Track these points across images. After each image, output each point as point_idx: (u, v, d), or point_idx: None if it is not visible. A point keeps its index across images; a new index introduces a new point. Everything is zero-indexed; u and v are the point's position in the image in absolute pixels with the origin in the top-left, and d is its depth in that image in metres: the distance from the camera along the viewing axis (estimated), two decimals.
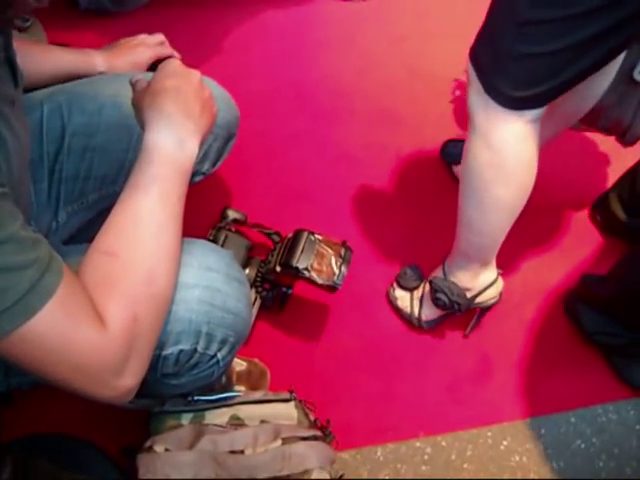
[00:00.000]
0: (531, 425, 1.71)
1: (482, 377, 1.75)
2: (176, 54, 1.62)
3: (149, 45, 1.60)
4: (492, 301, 1.68)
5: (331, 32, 2.35)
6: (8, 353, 0.85)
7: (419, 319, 1.78)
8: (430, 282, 1.68)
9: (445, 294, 1.64)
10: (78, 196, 1.40)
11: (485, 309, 1.72)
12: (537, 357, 1.79)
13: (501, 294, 1.68)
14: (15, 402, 1.53)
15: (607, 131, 1.80)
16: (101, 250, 0.96)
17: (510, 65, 1.24)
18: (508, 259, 1.83)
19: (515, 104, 1.28)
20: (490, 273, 1.64)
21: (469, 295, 1.65)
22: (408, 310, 1.79)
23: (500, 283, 1.66)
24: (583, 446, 1.69)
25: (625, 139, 1.78)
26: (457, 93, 2.15)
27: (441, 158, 2.03)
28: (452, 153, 1.99)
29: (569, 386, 1.76)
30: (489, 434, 1.68)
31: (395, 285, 1.84)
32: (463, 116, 1.86)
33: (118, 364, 0.90)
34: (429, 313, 1.76)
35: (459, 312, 1.67)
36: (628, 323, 1.65)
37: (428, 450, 1.65)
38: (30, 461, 1.40)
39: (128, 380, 0.93)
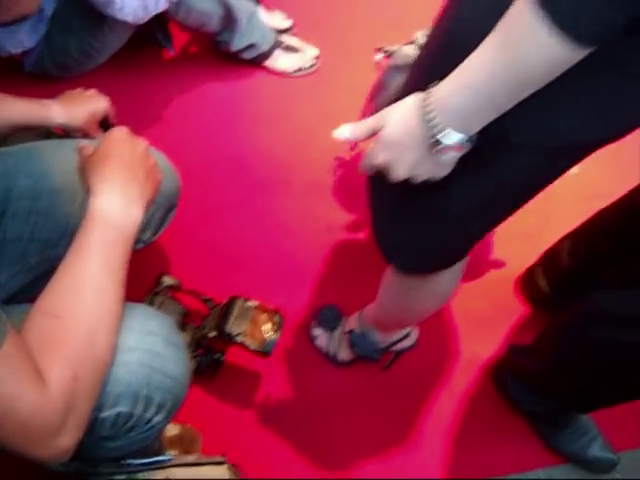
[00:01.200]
0: None
1: (412, 446, 1.78)
2: None
3: (103, 97, 1.62)
4: (406, 348, 1.76)
5: (267, 106, 2.41)
6: None
7: (336, 359, 1.84)
8: (348, 334, 1.76)
9: (361, 348, 1.73)
10: (20, 258, 1.40)
11: (400, 352, 1.80)
12: (467, 425, 1.84)
13: (415, 342, 1.76)
14: None
15: None
16: (44, 311, 0.98)
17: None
18: (437, 329, 1.90)
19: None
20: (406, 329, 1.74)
21: (384, 345, 1.73)
22: (326, 349, 1.85)
23: (414, 334, 1.74)
24: None
25: None
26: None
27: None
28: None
29: (500, 453, 1.80)
30: None
31: (314, 324, 1.89)
32: None
33: (57, 423, 0.91)
34: (346, 355, 1.83)
35: (374, 362, 1.76)
36: (551, 393, 1.72)
37: None
38: None
39: (66, 440, 0.93)
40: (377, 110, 1.72)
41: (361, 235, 2.11)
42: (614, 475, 1.79)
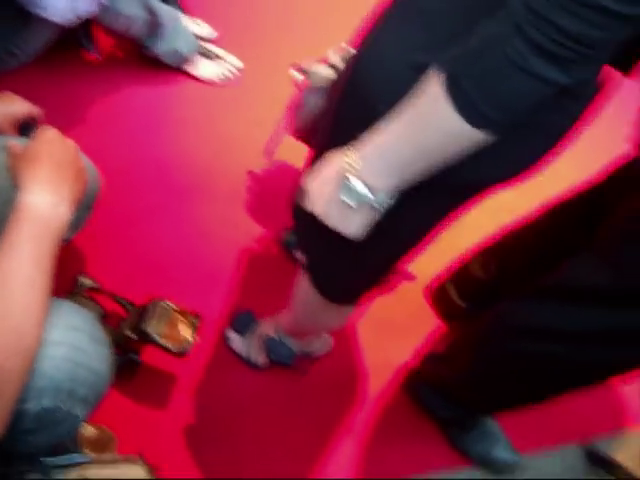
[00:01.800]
0: None
1: (322, 445, 1.83)
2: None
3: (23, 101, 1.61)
4: (322, 351, 1.83)
5: (192, 113, 2.43)
6: None
7: (254, 363, 1.87)
8: (263, 340, 1.80)
9: (275, 355, 1.79)
10: None
11: (316, 357, 1.87)
12: (378, 428, 1.89)
13: (330, 346, 1.83)
14: None
15: None
16: None
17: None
18: (352, 336, 1.95)
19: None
20: (322, 338, 1.80)
21: (298, 350, 1.78)
22: (242, 353, 1.88)
23: (329, 341, 1.79)
24: None
25: None
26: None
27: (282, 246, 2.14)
28: (292, 241, 2.10)
29: (409, 455, 1.86)
30: None
31: (230, 328, 1.92)
32: None
33: None
34: (261, 359, 1.86)
35: (288, 367, 1.82)
36: (463, 401, 1.78)
37: None
38: None
39: None
40: (297, 126, 1.77)
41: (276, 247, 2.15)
42: (518, 476, 1.86)
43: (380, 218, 1.01)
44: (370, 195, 0.94)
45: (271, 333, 1.80)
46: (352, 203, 0.96)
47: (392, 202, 0.97)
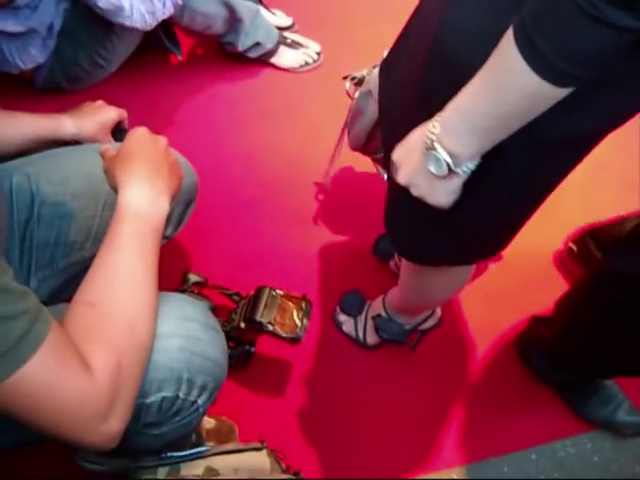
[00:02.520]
0: (494, 464, 1.76)
1: (442, 420, 1.80)
2: None
3: (111, 107, 1.64)
4: (431, 327, 1.80)
5: (276, 103, 2.44)
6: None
7: (365, 343, 1.87)
8: (373, 320, 1.79)
9: (387, 332, 1.76)
10: (48, 262, 1.43)
11: (425, 332, 1.83)
12: (493, 397, 1.86)
13: (440, 320, 1.78)
14: None
15: None
16: (84, 302, 1.00)
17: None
18: (460, 306, 1.92)
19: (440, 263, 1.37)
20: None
21: (410, 327, 1.75)
22: (353, 334, 1.88)
23: (438, 312, 1.77)
24: None
25: None
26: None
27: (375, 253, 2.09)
28: (386, 250, 2.04)
29: (527, 424, 1.82)
30: (453, 476, 1.73)
31: (339, 310, 1.92)
32: None
33: (104, 410, 0.93)
34: (372, 339, 1.85)
35: (401, 344, 1.79)
36: (570, 362, 1.73)
37: None
38: None
39: (114, 425, 0.96)
40: (355, 137, 1.74)
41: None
42: None
43: (475, 184, 1.00)
44: (453, 162, 0.93)
45: (381, 312, 1.79)
46: (437, 171, 0.95)
47: (475, 167, 0.95)
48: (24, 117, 1.58)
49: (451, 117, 0.91)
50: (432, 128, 0.93)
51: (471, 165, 0.94)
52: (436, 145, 0.93)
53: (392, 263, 2.00)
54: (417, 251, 1.35)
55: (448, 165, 0.93)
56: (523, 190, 1.10)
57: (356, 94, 1.72)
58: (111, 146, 1.23)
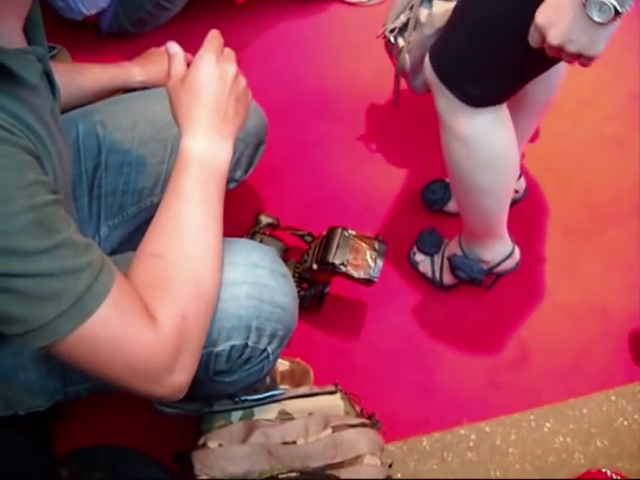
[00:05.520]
0: (573, 406, 1.73)
1: (520, 361, 1.78)
2: None
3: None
4: (509, 269, 1.73)
5: (346, 38, 2.38)
6: (67, 355, 0.88)
7: (441, 283, 1.84)
8: (449, 259, 1.75)
9: (464, 271, 1.71)
10: (118, 210, 1.44)
11: (500, 275, 1.77)
12: (572, 338, 1.82)
13: (518, 263, 1.72)
14: (66, 417, 1.58)
15: None
16: (148, 253, 1.00)
17: (480, 73, 1.30)
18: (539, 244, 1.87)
19: (478, 102, 1.33)
20: (505, 246, 1.69)
21: (487, 267, 1.70)
22: (430, 274, 1.85)
23: (517, 254, 1.71)
24: (626, 423, 1.71)
25: None
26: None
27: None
28: (432, 199, 2.00)
29: (606, 365, 1.78)
30: (532, 417, 1.71)
31: (415, 249, 1.89)
32: None
33: (170, 361, 0.94)
34: (449, 279, 1.82)
35: (478, 284, 1.74)
36: None
37: (473, 437, 1.68)
38: (85, 473, 1.44)
39: (180, 376, 0.96)
40: (425, 82, 1.70)
41: None
42: None
43: None
44: (619, 2, 0.94)
45: (457, 251, 1.75)
46: (602, 18, 0.97)
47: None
48: (94, 68, 1.59)
49: None
50: None
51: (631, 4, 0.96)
52: None
53: (450, 205, 1.96)
54: (458, 82, 1.34)
55: (614, 7, 0.95)
56: None
57: (412, 39, 1.65)
58: (181, 57, 1.17)
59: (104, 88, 1.56)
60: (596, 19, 0.96)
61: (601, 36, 1.00)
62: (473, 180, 1.46)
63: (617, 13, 0.94)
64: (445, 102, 1.36)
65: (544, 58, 1.15)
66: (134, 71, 1.60)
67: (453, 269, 1.75)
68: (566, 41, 1.02)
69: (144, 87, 1.65)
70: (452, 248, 1.78)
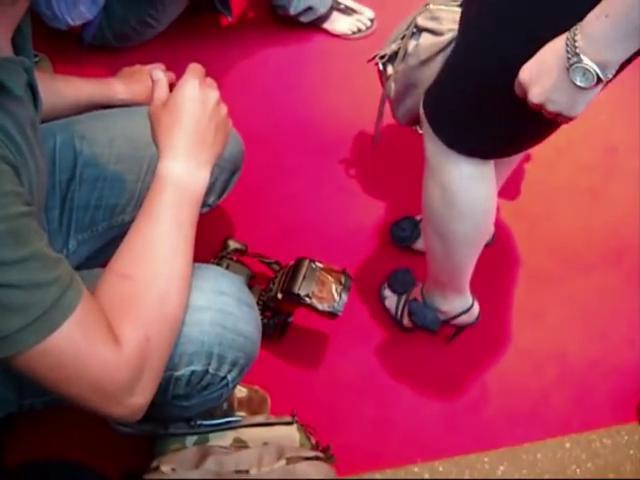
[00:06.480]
0: (527, 450, 1.73)
1: (479, 403, 1.79)
2: None
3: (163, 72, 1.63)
4: (467, 324, 1.74)
5: (328, 69, 2.40)
6: (27, 368, 0.88)
7: (401, 324, 1.84)
8: (408, 303, 1.76)
9: (419, 318, 1.72)
10: (88, 225, 1.43)
11: (461, 328, 1.78)
12: (532, 383, 1.83)
13: (477, 318, 1.73)
14: (18, 427, 1.56)
15: None
16: (117, 272, 0.99)
17: (468, 125, 1.30)
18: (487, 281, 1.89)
19: (464, 151, 1.33)
20: (464, 301, 1.70)
21: (443, 318, 1.71)
22: (393, 312, 1.85)
23: (475, 310, 1.71)
24: (578, 471, 1.72)
25: None
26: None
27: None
28: (401, 237, 2.01)
29: (563, 411, 1.80)
30: (486, 459, 1.71)
31: (386, 284, 1.90)
32: None
33: (130, 382, 0.93)
34: (407, 323, 1.82)
35: (432, 333, 1.75)
36: None
37: (426, 475, 1.68)
38: None
39: (139, 398, 0.96)
40: (409, 112, 1.71)
41: None
42: None
43: None
44: (602, 71, 0.96)
45: (417, 296, 1.76)
46: (585, 83, 0.98)
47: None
48: (78, 81, 1.58)
49: (600, 26, 0.93)
50: (572, 42, 0.96)
51: (614, 71, 0.98)
52: (582, 57, 0.96)
53: (418, 243, 1.97)
54: (450, 132, 1.34)
55: (597, 75, 0.96)
56: None
57: (399, 68, 1.68)
58: (164, 81, 1.17)
59: (86, 103, 1.55)
60: (579, 84, 0.98)
61: (582, 99, 1.02)
62: (448, 227, 1.47)
63: (599, 79, 0.96)
64: (433, 145, 1.37)
65: (534, 123, 1.17)
66: (118, 89, 1.60)
67: (409, 314, 1.76)
68: (547, 100, 1.03)
69: (126, 105, 1.65)
70: (415, 293, 1.78)
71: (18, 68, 0.94)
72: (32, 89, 1.03)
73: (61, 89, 1.51)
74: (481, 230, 1.50)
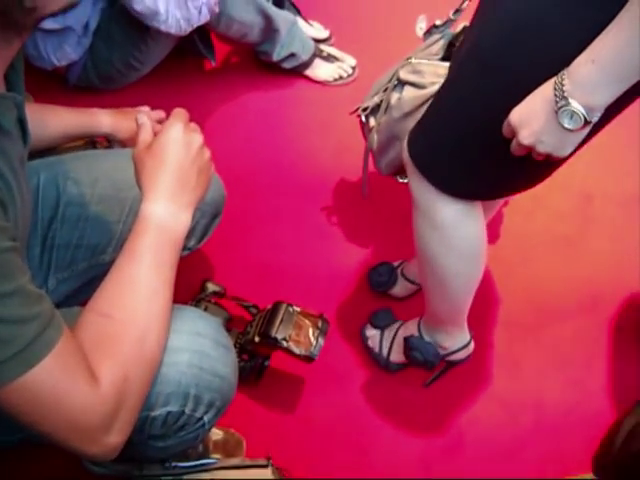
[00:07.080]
0: None
1: (454, 448, 1.78)
2: None
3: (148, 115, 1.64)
4: (461, 359, 1.75)
5: (309, 115, 2.44)
6: (4, 402, 0.87)
7: (387, 360, 1.84)
8: (405, 339, 1.75)
9: (421, 353, 1.71)
10: (68, 264, 1.44)
11: (450, 365, 1.78)
12: (507, 430, 1.83)
13: (470, 355, 1.74)
14: None
15: None
16: (97, 311, 1.00)
17: (452, 166, 1.33)
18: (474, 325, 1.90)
19: (450, 191, 1.35)
20: (464, 335, 1.71)
21: (443, 353, 1.72)
22: (377, 349, 1.86)
23: (471, 346, 1.72)
24: None
25: None
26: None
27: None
28: (378, 282, 2.02)
29: (538, 459, 1.79)
30: None
31: (368, 324, 1.91)
32: None
33: (107, 421, 0.93)
34: (398, 358, 1.82)
35: (430, 369, 1.75)
36: None
37: None
38: None
39: (115, 437, 0.95)
40: (391, 162, 1.74)
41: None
42: None
43: None
44: (588, 113, 1.00)
45: (415, 332, 1.76)
46: (572, 126, 1.02)
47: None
48: (62, 111, 1.59)
49: (587, 71, 0.98)
50: (560, 86, 1.00)
51: (601, 112, 1.02)
52: (570, 101, 0.99)
53: (395, 289, 2.00)
54: (437, 174, 1.36)
55: (584, 117, 1.00)
56: None
57: (382, 120, 1.71)
58: (149, 126, 1.18)
59: (71, 133, 1.56)
60: (567, 126, 1.02)
61: (570, 141, 1.06)
62: (443, 264, 1.49)
63: (586, 122, 1.00)
64: (420, 186, 1.38)
65: (522, 166, 1.19)
66: (103, 121, 1.60)
67: (409, 350, 1.75)
68: (537, 142, 1.07)
69: (109, 139, 1.66)
70: (410, 329, 1.78)
71: (9, 104, 0.96)
72: (22, 124, 1.04)
73: (47, 118, 1.52)
74: (475, 266, 1.52)
